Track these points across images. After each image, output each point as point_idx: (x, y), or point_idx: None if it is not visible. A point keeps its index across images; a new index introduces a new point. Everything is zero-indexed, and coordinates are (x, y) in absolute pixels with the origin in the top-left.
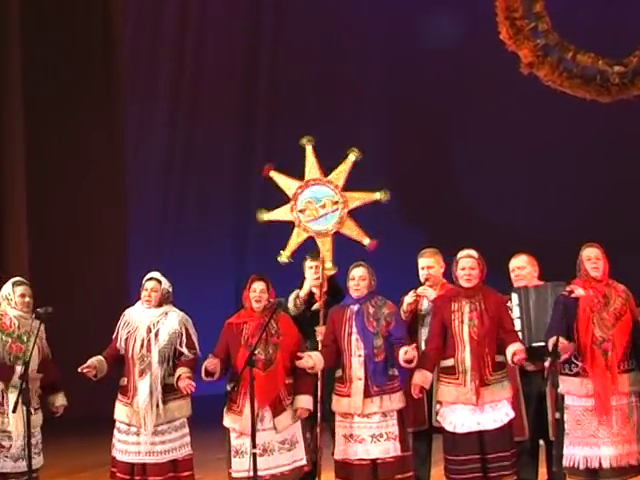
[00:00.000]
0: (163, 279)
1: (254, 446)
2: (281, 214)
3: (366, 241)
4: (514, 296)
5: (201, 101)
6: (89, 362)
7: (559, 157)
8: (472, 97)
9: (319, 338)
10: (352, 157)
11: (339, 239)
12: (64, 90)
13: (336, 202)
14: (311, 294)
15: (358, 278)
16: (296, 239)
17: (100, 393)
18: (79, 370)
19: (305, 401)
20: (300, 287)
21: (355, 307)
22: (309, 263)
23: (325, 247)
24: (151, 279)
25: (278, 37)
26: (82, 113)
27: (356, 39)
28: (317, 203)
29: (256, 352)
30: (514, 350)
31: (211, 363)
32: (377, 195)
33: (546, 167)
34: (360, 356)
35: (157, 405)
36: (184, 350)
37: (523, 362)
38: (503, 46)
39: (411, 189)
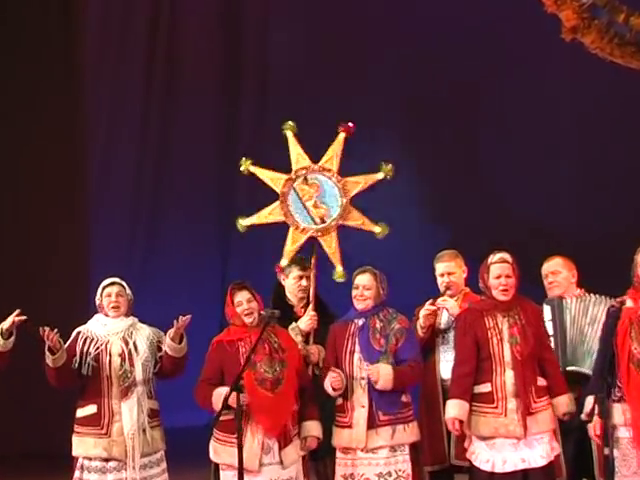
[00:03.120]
0: (125, 284)
1: None
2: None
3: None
4: (546, 309)
5: (178, 86)
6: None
7: (609, 143)
8: (505, 71)
9: (310, 360)
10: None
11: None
12: (18, 81)
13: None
14: (290, 307)
15: (362, 287)
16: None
17: (54, 425)
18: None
19: (315, 428)
20: (291, 312)
21: (360, 321)
22: (297, 272)
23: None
24: (113, 284)
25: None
26: (38, 104)
27: None
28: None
29: (261, 371)
30: (564, 404)
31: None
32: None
33: (594, 155)
34: (363, 379)
35: (144, 430)
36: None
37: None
38: (541, 7)
39: (433, 181)
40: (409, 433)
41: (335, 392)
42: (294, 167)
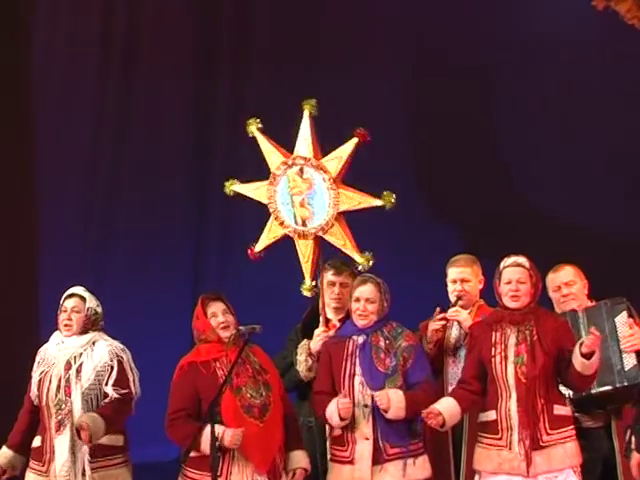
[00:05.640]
0: (88, 295)
1: None
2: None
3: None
4: None
5: (139, 72)
6: None
7: None
8: (526, 46)
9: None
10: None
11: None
12: None
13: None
14: (325, 322)
15: (364, 301)
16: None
17: None
18: None
19: (303, 459)
20: (307, 330)
21: (360, 339)
22: (330, 277)
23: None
24: (72, 296)
25: None
26: None
27: None
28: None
29: (247, 396)
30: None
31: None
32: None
33: (632, 145)
34: (367, 406)
35: (83, 473)
36: (108, 390)
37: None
38: None
39: (439, 173)
40: (420, 468)
41: (341, 422)
42: (295, 152)
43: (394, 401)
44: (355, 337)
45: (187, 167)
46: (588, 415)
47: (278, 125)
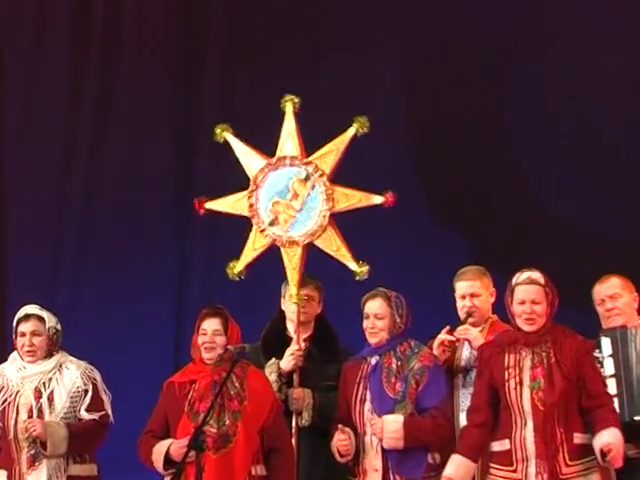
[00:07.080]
0: (46, 314)
1: None
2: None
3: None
4: (605, 342)
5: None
6: None
7: None
8: (540, 34)
9: (293, 407)
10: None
11: None
12: None
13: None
14: (289, 341)
15: (373, 317)
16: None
17: None
18: None
19: None
20: (268, 349)
21: (373, 360)
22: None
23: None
24: (28, 317)
25: None
26: None
27: None
28: (285, 196)
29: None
30: (605, 443)
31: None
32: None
33: None
34: (376, 435)
35: None
36: (83, 415)
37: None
38: None
39: (444, 175)
40: None
41: (342, 459)
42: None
43: (388, 430)
44: (369, 358)
45: (169, 177)
46: (629, 443)
47: (269, 130)
